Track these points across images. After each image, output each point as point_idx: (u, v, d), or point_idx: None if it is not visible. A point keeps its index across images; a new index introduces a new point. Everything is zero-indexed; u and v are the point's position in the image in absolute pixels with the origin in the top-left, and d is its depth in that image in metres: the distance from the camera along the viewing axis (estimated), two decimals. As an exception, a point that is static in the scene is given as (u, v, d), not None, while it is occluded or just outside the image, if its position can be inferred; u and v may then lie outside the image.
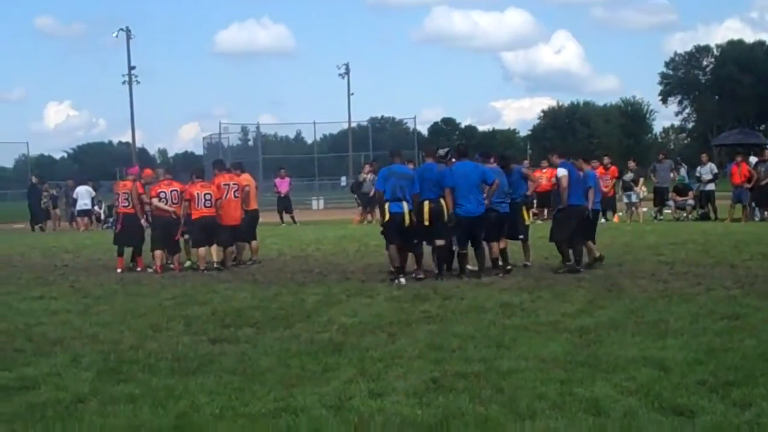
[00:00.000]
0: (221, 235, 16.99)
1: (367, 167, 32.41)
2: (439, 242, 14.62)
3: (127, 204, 17.39)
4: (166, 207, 16.86)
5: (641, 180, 29.88)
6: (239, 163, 20.39)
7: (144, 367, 8.19)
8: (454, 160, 15.18)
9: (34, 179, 38.05)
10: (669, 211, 29.57)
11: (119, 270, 16.95)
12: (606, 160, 29.66)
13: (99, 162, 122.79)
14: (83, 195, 34.87)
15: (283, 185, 33.51)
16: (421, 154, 15.70)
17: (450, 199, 14.41)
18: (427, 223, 14.38)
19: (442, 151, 15.81)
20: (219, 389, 7.29)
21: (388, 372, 7.75)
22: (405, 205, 14.23)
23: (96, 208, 36.05)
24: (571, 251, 14.92)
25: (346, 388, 7.19)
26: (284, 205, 33.40)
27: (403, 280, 13.97)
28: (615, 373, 7.47)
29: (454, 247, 14.51)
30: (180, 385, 7.47)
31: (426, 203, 14.38)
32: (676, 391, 6.86)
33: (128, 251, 17.49)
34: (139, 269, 17.04)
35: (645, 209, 29.89)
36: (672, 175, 29.83)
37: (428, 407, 6.65)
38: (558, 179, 15.21)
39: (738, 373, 7.33)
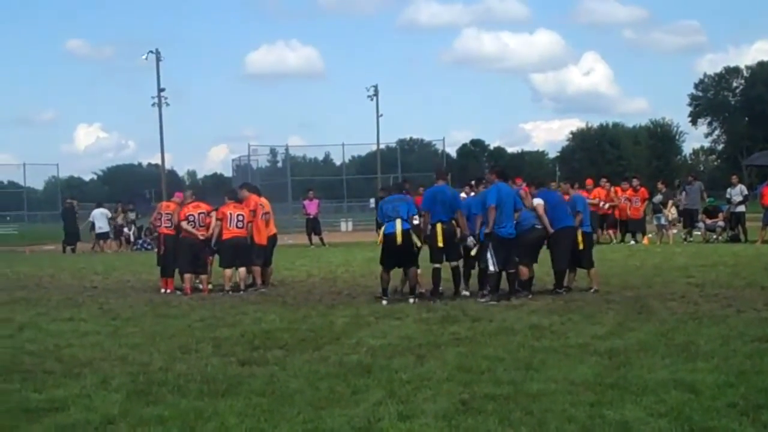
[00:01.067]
0: (251, 255, 17.07)
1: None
2: (453, 263, 15.07)
3: (169, 225, 17.48)
4: (193, 230, 16.95)
5: (670, 202, 29.73)
6: (255, 186, 19.78)
7: (173, 389, 8.20)
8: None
9: (75, 203, 38.39)
10: (699, 233, 29.40)
11: (166, 291, 17.10)
12: (635, 181, 29.69)
13: (128, 183, 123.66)
14: (98, 218, 35.07)
15: (312, 207, 33.61)
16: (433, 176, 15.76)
17: (463, 221, 14.69)
18: (441, 244, 14.57)
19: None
20: (248, 411, 7.29)
21: (417, 394, 7.73)
22: (398, 222, 14.33)
23: (125, 229, 36.21)
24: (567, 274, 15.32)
25: (375, 411, 7.17)
26: (313, 226, 33.49)
27: (411, 300, 14.33)
28: (645, 395, 7.41)
29: (492, 268, 14.38)
30: (209, 407, 7.47)
31: (439, 225, 14.62)
32: (706, 413, 6.80)
33: (158, 269, 17.79)
34: (168, 291, 17.10)
35: (675, 231, 29.72)
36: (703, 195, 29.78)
37: (457, 430, 6.63)
38: (534, 208, 15.19)
39: (769, 396, 7.26)
